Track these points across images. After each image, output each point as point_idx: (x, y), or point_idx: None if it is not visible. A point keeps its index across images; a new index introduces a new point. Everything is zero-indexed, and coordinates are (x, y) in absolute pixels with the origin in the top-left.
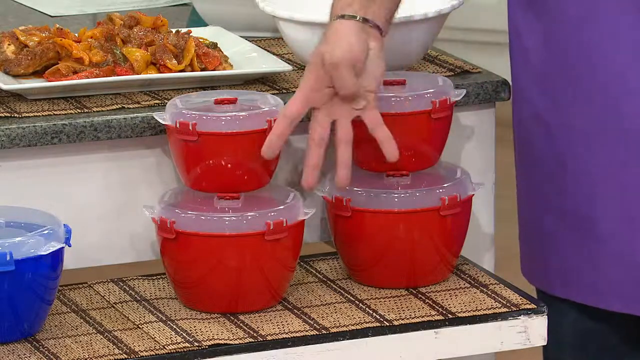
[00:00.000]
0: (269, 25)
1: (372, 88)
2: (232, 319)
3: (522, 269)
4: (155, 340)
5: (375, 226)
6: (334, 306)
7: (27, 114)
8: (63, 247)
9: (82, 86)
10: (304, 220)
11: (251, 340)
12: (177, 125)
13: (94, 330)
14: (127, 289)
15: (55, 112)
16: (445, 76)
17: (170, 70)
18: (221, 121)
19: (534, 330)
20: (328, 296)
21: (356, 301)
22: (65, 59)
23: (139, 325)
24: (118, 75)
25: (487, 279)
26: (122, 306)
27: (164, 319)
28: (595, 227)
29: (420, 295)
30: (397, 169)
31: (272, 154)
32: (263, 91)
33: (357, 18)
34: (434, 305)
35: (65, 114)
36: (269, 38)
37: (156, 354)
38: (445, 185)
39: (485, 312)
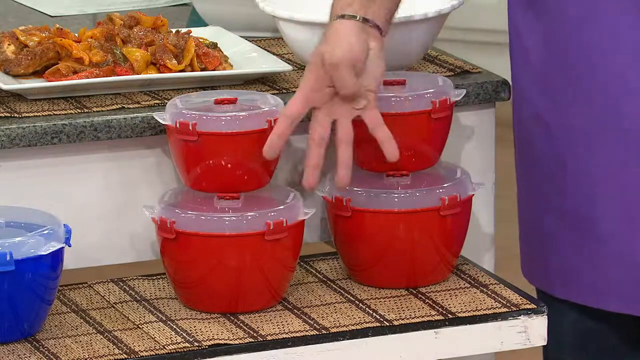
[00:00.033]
0: (269, 25)
1: (373, 88)
2: (232, 319)
3: (522, 269)
4: (155, 340)
5: (375, 226)
6: (334, 306)
7: (27, 114)
8: (63, 247)
9: (82, 86)
10: (304, 220)
11: (251, 340)
12: (177, 125)
13: (94, 330)
14: (127, 289)
15: (55, 112)
16: (445, 76)
17: (170, 70)
18: (221, 121)
19: (534, 330)
20: (328, 296)
21: (356, 301)
22: (65, 59)
23: (139, 325)
24: (118, 75)
25: (487, 279)
26: (122, 306)
27: (164, 319)
28: (595, 227)
29: (420, 295)
30: (397, 169)
31: (273, 154)
32: (263, 91)
33: (357, 18)
34: (434, 305)
35: (65, 114)
36: (269, 38)
37: (156, 354)
38: (445, 185)
39: (485, 312)
